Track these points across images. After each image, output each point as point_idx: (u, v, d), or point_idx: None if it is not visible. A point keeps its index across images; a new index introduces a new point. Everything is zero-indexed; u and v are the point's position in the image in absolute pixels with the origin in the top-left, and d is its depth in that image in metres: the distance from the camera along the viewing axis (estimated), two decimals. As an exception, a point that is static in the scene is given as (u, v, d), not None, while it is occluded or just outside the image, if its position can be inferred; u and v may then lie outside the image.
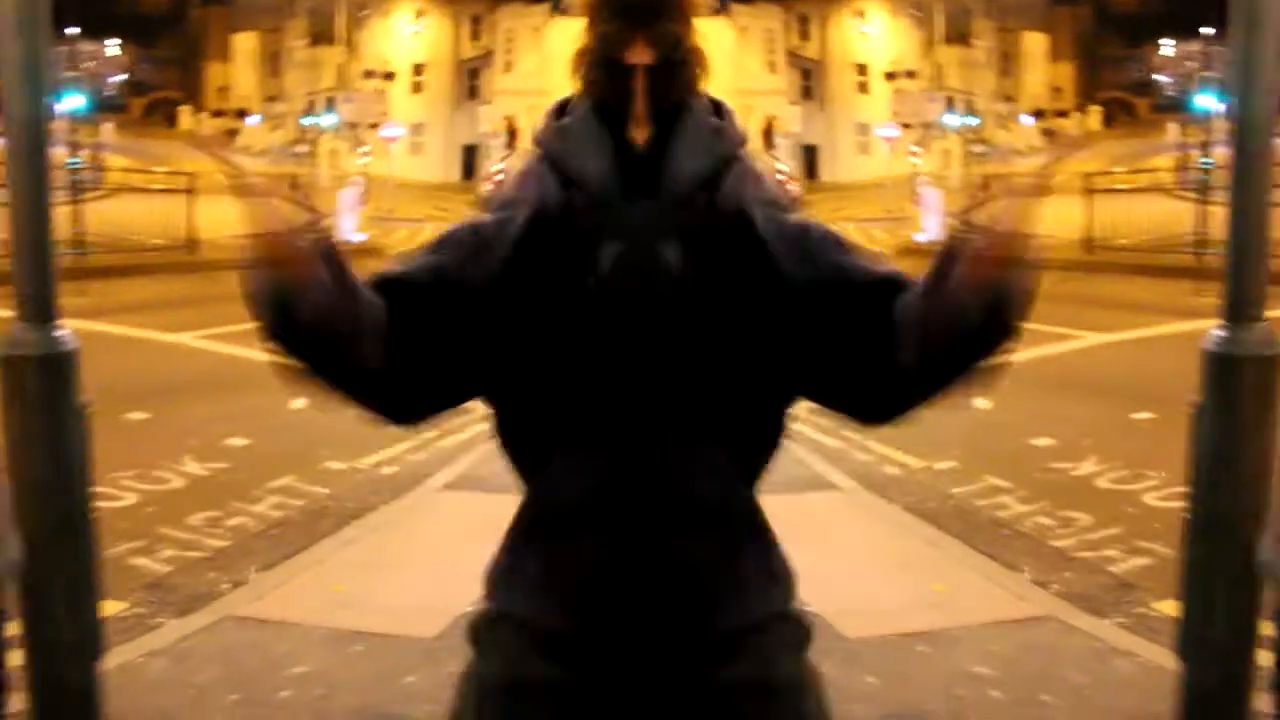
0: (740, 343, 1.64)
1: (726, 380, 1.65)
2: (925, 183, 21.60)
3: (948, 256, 1.63)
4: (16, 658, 2.78)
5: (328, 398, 1.71)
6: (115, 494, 5.62)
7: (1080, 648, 4.00)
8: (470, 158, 47.18)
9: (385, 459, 6.54)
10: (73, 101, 31.68)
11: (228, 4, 65.18)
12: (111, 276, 13.71)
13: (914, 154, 29.83)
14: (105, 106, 47.24)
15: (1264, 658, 2.76)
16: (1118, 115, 64.59)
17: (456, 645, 3.81)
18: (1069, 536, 5.29)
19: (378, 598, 4.46)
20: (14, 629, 2.78)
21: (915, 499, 5.82)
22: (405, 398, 1.72)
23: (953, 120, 34.00)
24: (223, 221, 18.60)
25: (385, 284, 1.67)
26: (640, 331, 1.63)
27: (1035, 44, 60.11)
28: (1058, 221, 18.67)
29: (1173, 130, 37.60)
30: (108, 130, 39.22)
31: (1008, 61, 57.84)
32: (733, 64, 34.50)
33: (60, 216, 3.00)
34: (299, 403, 8.18)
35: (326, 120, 34.42)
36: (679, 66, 1.68)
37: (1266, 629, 2.78)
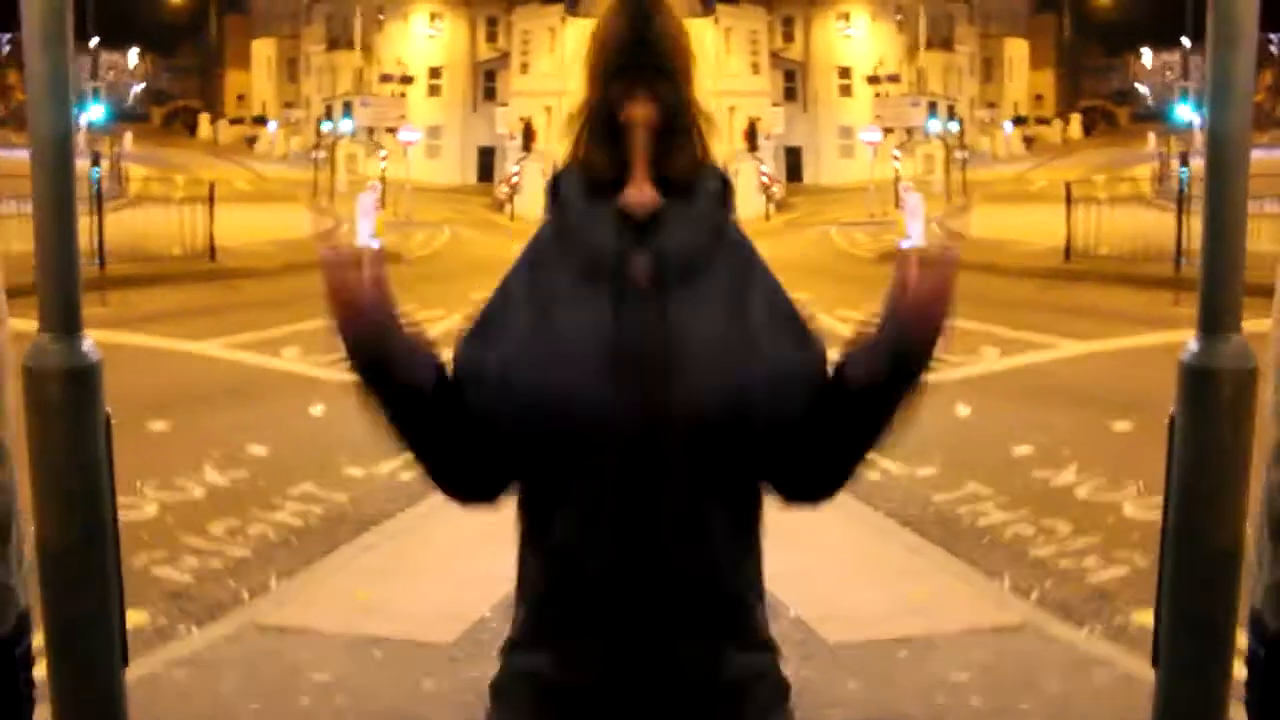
0: (734, 400, 1.64)
1: (727, 438, 1.64)
2: (908, 187, 21.58)
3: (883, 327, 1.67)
4: (41, 668, 2.81)
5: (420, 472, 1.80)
6: (137, 504, 5.67)
7: (1059, 656, 4.01)
8: (487, 160, 47.30)
9: (403, 465, 6.56)
10: (94, 112, 32.00)
11: (245, 12, 65.59)
12: (131, 286, 13.79)
13: (896, 158, 29.81)
14: (126, 116, 47.65)
15: (1239, 669, 2.77)
16: (1098, 124, 64.62)
17: (475, 651, 3.87)
18: (1048, 545, 5.30)
19: (397, 604, 4.49)
20: (39, 640, 2.81)
21: (896, 505, 5.82)
22: (468, 476, 1.78)
23: (935, 125, 34.04)
24: (242, 230, 18.75)
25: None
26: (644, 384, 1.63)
27: (1017, 51, 60.11)
28: (1038, 230, 18.74)
29: (1152, 140, 37.53)
30: (127, 140, 39.49)
31: (990, 68, 57.95)
32: (716, 65, 34.56)
33: (81, 227, 3.03)
34: (317, 410, 8.27)
35: (344, 125, 34.53)
36: (682, 133, 1.67)
37: (1242, 640, 2.78)
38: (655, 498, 1.63)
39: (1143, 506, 5.61)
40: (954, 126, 36.35)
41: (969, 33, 54.98)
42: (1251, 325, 2.91)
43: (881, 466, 6.50)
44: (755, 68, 43.91)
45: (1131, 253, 15.45)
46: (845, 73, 49.52)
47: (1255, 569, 1.57)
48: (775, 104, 44.27)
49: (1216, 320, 2.86)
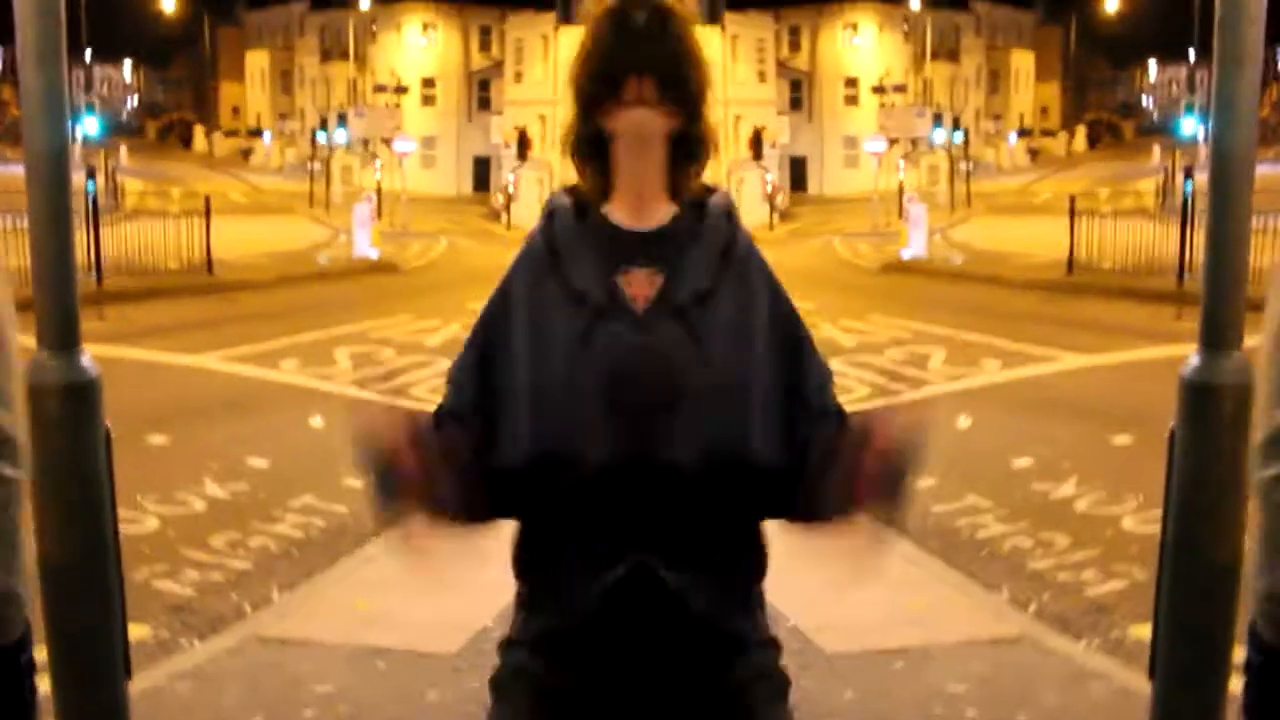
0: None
1: (728, 469, 1.62)
2: (912, 198, 21.64)
3: (850, 445, 1.62)
4: (44, 682, 2.81)
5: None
6: (137, 518, 5.67)
7: (1056, 669, 4.00)
8: (482, 170, 47.35)
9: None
10: (89, 126, 32.02)
11: (239, 24, 65.68)
12: (128, 300, 13.79)
13: (901, 169, 29.92)
14: (121, 129, 47.68)
15: (1237, 683, 2.76)
16: (1103, 136, 64.91)
17: (478, 661, 3.86)
18: (1047, 558, 5.30)
19: (399, 615, 4.48)
20: (40, 654, 2.81)
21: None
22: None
23: (940, 136, 34.17)
24: (239, 243, 18.75)
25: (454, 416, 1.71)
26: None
27: (1023, 63, 60.34)
28: (1042, 242, 18.79)
29: (1156, 153, 37.61)
30: (122, 153, 39.53)
31: (996, 79, 58.23)
32: (722, 73, 34.62)
33: (77, 242, 3.03)
34: (316, 422, 8.27)
35: (339, 136, 34.56)
36: (702, 145, 1.63)
37: (1239, 654, 2.78)
38: (653, 529, 1.60)
39: (1142, 520, 5.62)
40: (959, 137, 36.43)
41: (975, 44, 55.29)
42: (1254, 341, 2.91)
43: None
44: (762, 76, 44.02)
45: (1135, 266, 15.46)
46: (851, 82, 49.68)
47: (1251, 579, 1.58)
48: (781, 113, 44.35)
49: (1218, 336, 2.86)
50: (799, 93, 49.20)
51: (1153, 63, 50.41)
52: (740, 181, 29.66)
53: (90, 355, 2.93)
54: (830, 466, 1.61)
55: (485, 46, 50.68)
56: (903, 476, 1.61)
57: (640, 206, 1.64)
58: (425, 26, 51.25)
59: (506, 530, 1.79)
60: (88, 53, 43.36)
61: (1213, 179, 2.88)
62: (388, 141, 32.13)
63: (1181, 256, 14.53)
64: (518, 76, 44.38)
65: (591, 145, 1.64)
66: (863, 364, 9.88)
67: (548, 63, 39.41)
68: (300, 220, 29.25)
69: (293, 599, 4.77)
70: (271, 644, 4.22)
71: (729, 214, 1.70)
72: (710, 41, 30.27)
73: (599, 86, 1.60)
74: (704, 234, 1.65)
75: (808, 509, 1.63)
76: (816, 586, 4.37)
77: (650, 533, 1.60)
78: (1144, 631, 3.36)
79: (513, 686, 1.73)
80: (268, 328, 12.02)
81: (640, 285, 1.61)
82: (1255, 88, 2.84)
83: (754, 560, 1.74)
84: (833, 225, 27.55)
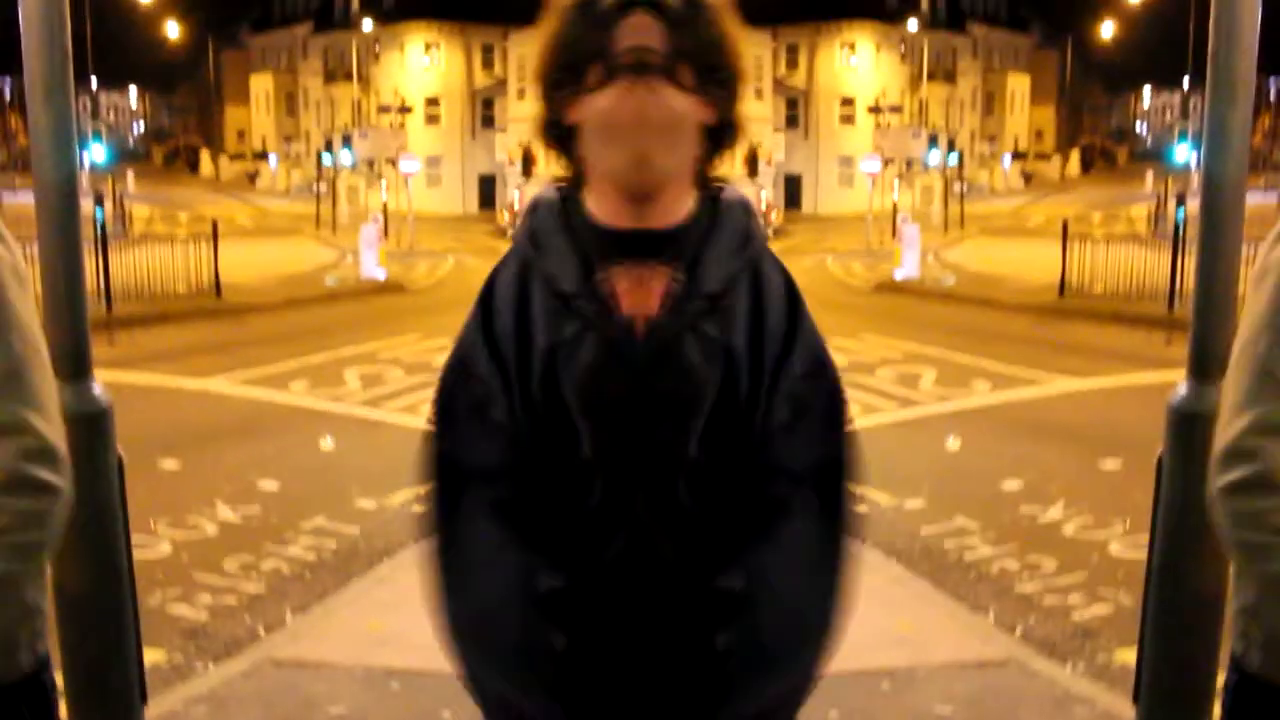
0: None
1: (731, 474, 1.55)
2: (906, 218, 21.69)
3: None
4: (61, 709, 2.83)
5: None
6: (151, 543, 5.70)
7: (1041, 692, 4.01)
8: (488, 187, 47.50)
9: (414, 495, 6.59)
10: (96, 153, 32.19)
11: (243, 48, 66.05)
12: (138, 325, 13.86)
13: (895, 189, 29.98)
14: (128, 156, 47.99)
15: (1220, 708, 2.76)
16: (1097, 161, 65.18)
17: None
18: (1034, 581, 5.32)
19: (412, 635, 4.49)
20: (57, 680, 2.83)
21: (884, 536, 5.85)
22: None
23: (935, 157, 34.26)
24: (247, 266, 18.84)
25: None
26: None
27: (1019, 86, 60.52)
28: (1034, 265, 18.78)
29: (1149, 179, 37.60)
30: (130, 179, 39.74)
31: (992, 102, 58.42)
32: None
33: (86, 268, 3.05)
34: (327, 443, 8.30)
35: (344, 157, 34.70)
36: (733, 133, 1.54)
37: (1223, 679, 2.78)
38: (657, 541, 1.54)
39: (1129, 545, 5.65)
40: (954, 159, 36.52)
41: (972, 66, 55.44)
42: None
43: (870, 498, 6.55)
44: (758, 93, 44.15)
45: (1126, 291, 15.53)
46: (848, 102, 49.81)
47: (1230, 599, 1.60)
48: (777, 130, 44.46)
49: (1206, 366, 2.87)
50: (795, 110, 49.29)
51: (1147, 89, 50.68)
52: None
53: (102, 385, 2.96)
54: None
55: (488, 64, 50.86)
56: None
57: (638, 203, 1.55)
58: (428, 46, 51.47)
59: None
60: (93, 80, 43.69)
61: (1203, 209, 2.89)
62: (393, 161, 32.23)
63: (1172, 283, 14.62)
64: (521, 94, 44.51)
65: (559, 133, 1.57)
66: (854, 383, 9.91)
67: (550, 79, 39.49)
68: (307, 242, 29.36)
69: (306, 621, 4.79)
70: (285, 666, 4.23)
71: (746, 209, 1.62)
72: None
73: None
74: (730, 236, 1.57)
75: None
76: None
77: (649, 508, 1.54)
78: (1129, 656, 3.36)
79: None
80: (277, 350, 12.07)
81: (655, 285, 1.52)
82: (1246, 119, 2.86)
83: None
84: (826, 244, 27.60)
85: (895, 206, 28.10)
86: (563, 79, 1.51)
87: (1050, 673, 4.21)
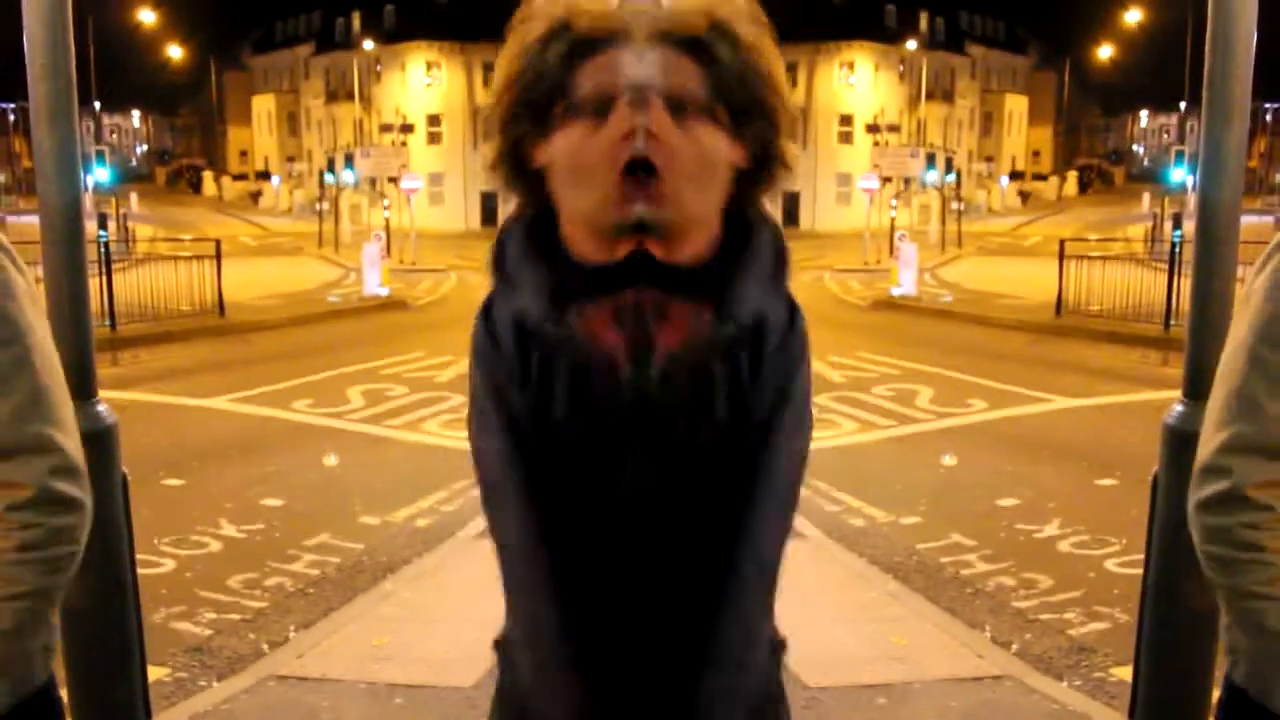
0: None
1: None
2: (903, 236, 21.75)
3: None
4: (67, 726, 2.85)
5: None
6: (155, 560, 5.72)
7: (1037, 709, 4.02)
8: (490, 204, 47.60)
9: (418, 511, 6.62)
10: (99, 174, 32.34)
11: (244, 68, 66.37)
12: (142, 345, 13.91)
13: (893, 207, 30.02)
14: (131, 176, 48.16)
15: None
16: (1094, 182, 65.43)
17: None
18: (1030, 598, 5.32)
19: (416, 650, 4.51)
20: (63, 696, 2.85)
21: (880, 552, 5.87)
22: None
23: (932, 176, 34.35)
24: (250, 285, 18.89)
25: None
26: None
27: (1017, 106, 60.75)
28: (1030, 284, 18.79)
29: (1146, 200, 37.66)
30: (133, 200, 39.87)
31: (989, 122, 58.68)
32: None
33: (90, 288, 3.09)
34: (330, 460, 8.32)
35: (346, 176, 34.82)
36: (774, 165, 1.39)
37: (1218, 695, 2.79)
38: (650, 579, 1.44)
39: (1125, 562, 5.66)
40: (951, 178, 36.61)
41: (970, 86, 55.70)
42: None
43: (866, 514, 6.61)
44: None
45: (1122, 311, 15.53)
46: (846, 120, 50.05)
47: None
48: (777, 146, 44.49)
49: (1201, 386, 2.88)
50: (794, 128, 49.58)
51: (1144, 111, 50.84)
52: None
53: (107, 405, 2.99)
54: None
55: (489, 82, 50.76)
56: None
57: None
58: (429, 65, 51.70)
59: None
60: (97, 104, 43.88)
61: (1199, 231, 2.92)
62: (395, 180, 32.33)
63: (1168, 302, 14.62)
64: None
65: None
66: (851, 400, 9.96)
67: (551, 97, 39.63)
68: (310, 260, 29.43)
69: (310, 637, 4.80)
70: (290, 682, 4.25)
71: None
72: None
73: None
74: (760, 270, 1.45)
75: None
76: (799, 620, 4.41)
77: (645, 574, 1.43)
78: (1126, 672, 3.38)
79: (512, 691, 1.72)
80: (280, 368, 12.11)
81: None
82: (1242, 143, 2.88)
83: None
84: (824, 261, 27.62)
85: (893, 224, 28.16)
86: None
87: (1046, 689, 4.22)
